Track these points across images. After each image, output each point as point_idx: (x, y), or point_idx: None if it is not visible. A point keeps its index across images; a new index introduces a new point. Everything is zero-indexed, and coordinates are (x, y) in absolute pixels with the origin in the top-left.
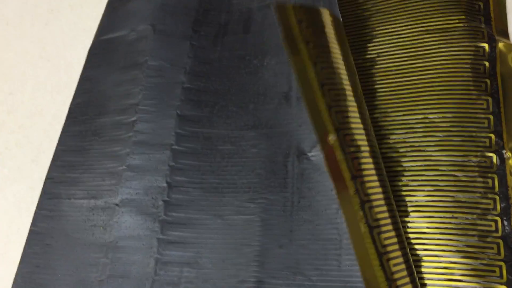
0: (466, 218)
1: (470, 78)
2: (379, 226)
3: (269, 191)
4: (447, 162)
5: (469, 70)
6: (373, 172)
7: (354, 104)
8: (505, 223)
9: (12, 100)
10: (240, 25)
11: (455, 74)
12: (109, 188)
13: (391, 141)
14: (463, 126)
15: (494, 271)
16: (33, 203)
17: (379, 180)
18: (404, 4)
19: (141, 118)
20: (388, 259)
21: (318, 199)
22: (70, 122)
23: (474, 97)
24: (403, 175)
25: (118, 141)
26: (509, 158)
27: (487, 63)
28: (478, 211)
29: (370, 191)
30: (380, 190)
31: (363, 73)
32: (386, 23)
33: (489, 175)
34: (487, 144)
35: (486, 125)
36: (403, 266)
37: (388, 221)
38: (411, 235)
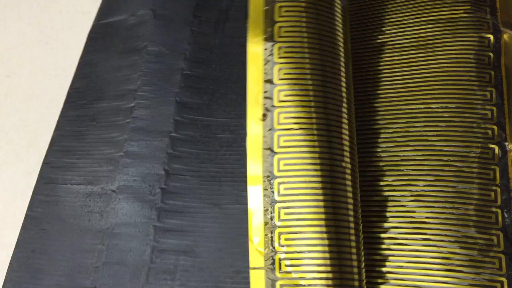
0: (467, 209)
1: (474, 69)
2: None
3: None
4: (448, 152)
5: (473, 61)
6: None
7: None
8: (506, 215)
9: (9, 83)
10: (241, 11)
11: (459, 65)
12: (106, 174)
13: (392, 130)
14: (465, 117)
15: (494, 263)
16: (29, 187)
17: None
18: None
19: (140, 104)
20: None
21: None
22: (68, 106)
23: (477, 88)
24: (404, 165)
25: (116, 127)
26: (511, 150)
27: (491, 54)
28: (478, 202)
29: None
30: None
31: (367, 62)
32: (390, 13)
33: (491, 166)
34: (490, 135)
35: (489, 116)
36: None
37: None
38: (410, 225)
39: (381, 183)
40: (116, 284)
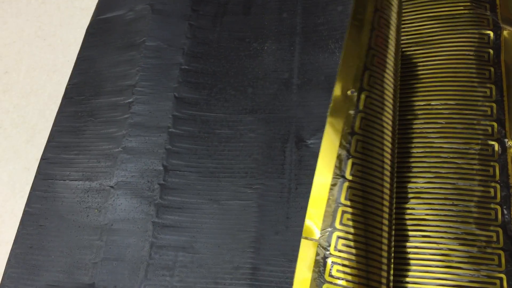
0: (466, 206)
1: (474, 66)
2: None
3: (266, 177)
4: (448, 149)
5: (473, 57)
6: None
7: (392, 84)
8: (505, 211)
9: (7, 79)
10: (240, 5)
11: (459, 61)
12: (105, 170)
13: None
14: (465, 114)
15: (493, 259)
16: (27, 183)
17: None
18: None
19: (138, 99)
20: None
21: None
22: (66, 102)
23: (477, 84)
24: (404, 161)
25: (114, 122)
26: (510, 146)
27: (491, 51)
28: (478, 199)
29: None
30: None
31: None
32: None
33: (491, 163)
34: (489, 132)
35: (488, 113)
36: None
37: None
38: (410, 222)
39: None
40: (115, 280)
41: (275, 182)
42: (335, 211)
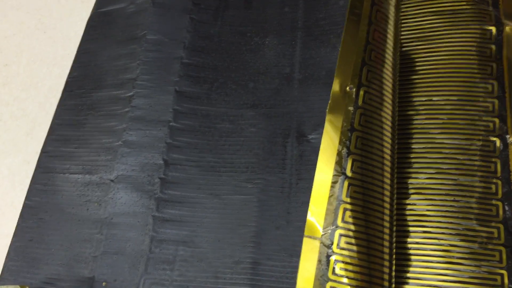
0: (467, 202)
1: (476, 61)
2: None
3: (267, 172)
4: (450, 145)
5: (475, 53)
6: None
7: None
8: (506, 208)
9: (7, 71)
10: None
11: (461, 57)
12: (105, 163)
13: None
14: (467, 110)
15: (494, 256)
16: (27, 176)
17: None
18: None
19: (139, 93)
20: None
21: None
22: (67, 95)
23: (479, 80)
24: (405, 157)
25: (114, 116)
26: None
27: (493, 47)
28: (479, 195)
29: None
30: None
31: None
32: None
33: (492, 159)
34: (491, 128)
35: (490, 109)
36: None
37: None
38: (411, 217)
39: None
40: (115, 273)
41: (276, 177)
42: (336, 209)
